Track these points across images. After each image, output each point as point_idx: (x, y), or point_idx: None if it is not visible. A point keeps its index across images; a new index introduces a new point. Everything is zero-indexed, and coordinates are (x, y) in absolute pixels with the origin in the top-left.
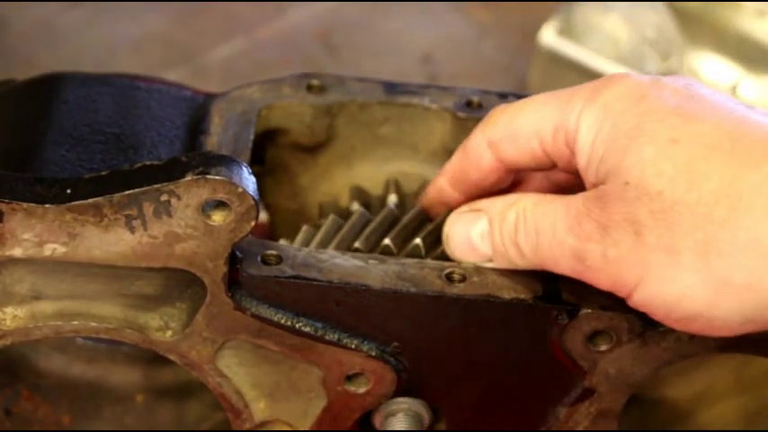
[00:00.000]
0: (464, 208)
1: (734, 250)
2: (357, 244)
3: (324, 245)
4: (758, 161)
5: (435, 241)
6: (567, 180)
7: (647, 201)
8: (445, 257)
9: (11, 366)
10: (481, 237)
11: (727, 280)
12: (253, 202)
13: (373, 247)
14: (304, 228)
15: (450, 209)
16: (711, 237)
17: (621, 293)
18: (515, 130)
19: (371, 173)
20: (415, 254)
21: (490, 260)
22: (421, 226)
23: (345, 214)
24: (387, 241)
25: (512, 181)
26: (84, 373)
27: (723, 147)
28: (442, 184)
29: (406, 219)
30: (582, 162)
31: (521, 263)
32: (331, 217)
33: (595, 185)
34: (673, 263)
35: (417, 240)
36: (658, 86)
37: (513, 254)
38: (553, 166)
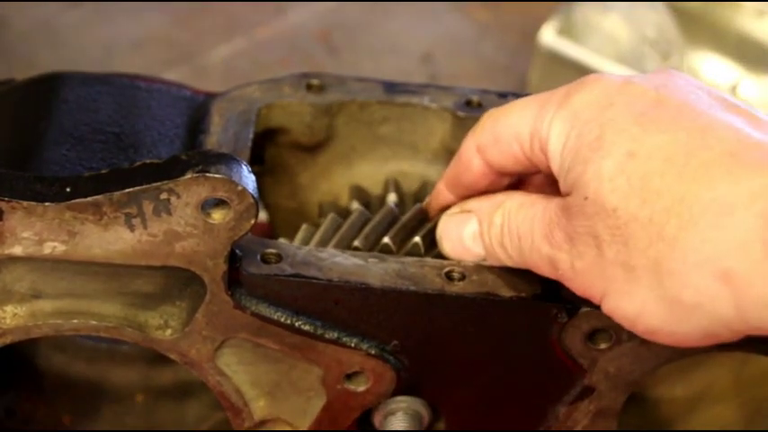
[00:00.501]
0: (454, 209)
1: (683, 269)
2: (356, 242)
3: (323, 243)
4: (711, 179)
5: (434, 240)
6: None
7: (604, 216)
8: (444, 256)
9: (11, 366)
10: (473, 238)
11: (677, 299)
12: (252, 201)
13: (372, 246)
14: (303, 226)
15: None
16: (662, 255)
17: (594, 302)
18: (498, 134)
19: (371, 172)
20: (414, 252)
21: (484, 259)
22: (420, 225)
23: (345, 213)
24: (386, 240)
25: (515, 182)
26: (84, 372)
27: (678, 161)
28: (440, 187)
29: (405, 218)
30: (555, 168)
31: (510, 263)
32: (330, 216)
33: (565, 194)
34: (630, 279)
35: (417, 239)
36: (627, 91)
37: (501, 255)
38: (538, 170)
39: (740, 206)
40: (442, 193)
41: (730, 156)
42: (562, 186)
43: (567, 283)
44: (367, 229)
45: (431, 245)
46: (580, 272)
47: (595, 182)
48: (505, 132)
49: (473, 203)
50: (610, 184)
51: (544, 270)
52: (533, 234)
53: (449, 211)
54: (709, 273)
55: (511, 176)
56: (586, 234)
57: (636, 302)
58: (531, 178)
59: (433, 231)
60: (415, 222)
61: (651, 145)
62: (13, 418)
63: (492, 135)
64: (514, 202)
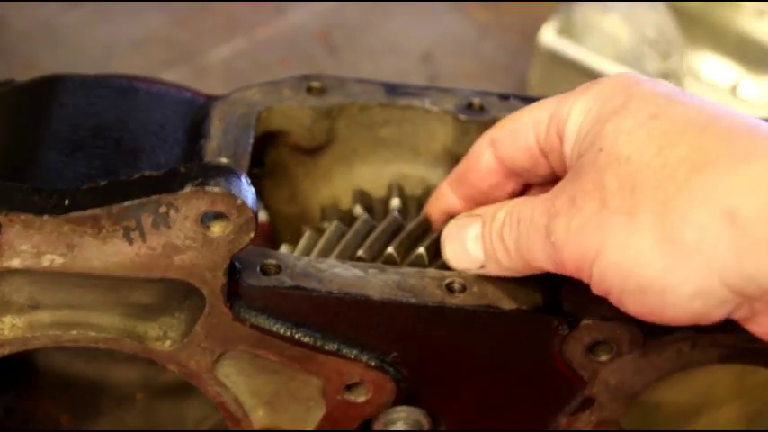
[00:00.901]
0: (463, 215)
1: (689, 207)
2: (360, 252)
3: (327, 252)
4: (731, 137)
5: (439, 250)
6: None
7: (616, 166)
8: (448, 267)
9: (11, 365)
10: (474, 240)
11: (679, 239)
12: (252, 215)
13: (377, 256)
14: (307, 233)
15: (449, 216)
16: (670, 196)
17: (584, 273)
18: (516, 126)
19: (372, 175)
20: (418, 263)
21: (482, 265)
22: (424, 234)
23: (347, 217)
24: (390, 250)
25: (517, 190)
26: (83, 371)
27: (700, 124)
28: (443, 188)
29: (409, 227)
30: (567, 147)
31: (506, 262)
32: (334, 223)
33: (572, 165)
34: (630, 225)
35: (421, 249)
36: (654, 80)
37: (499, 251)
38: (543, 170)
39: (757, 155)
40: (444, 194)
41: (750, 128)
42: (574, 159)
43: (560, 253)
44: (371, 238)
45: (435, 255)
46: (575, 231)
47: (612, 135)
48: (524, 123)
49: (481, 209)
50: (627, 136)
51: (537, 250)
52: (533, 213)
53: (457, 217)
54: (715, 210)
55: (516, 180)
56: (592, 188)
57: (633, 251)
58: (531, 189)
59: (437, 241)
60: (419, 232)
61: (675, 112)
62: (12, 417)
63: (510, 129)
64: (519, 199)
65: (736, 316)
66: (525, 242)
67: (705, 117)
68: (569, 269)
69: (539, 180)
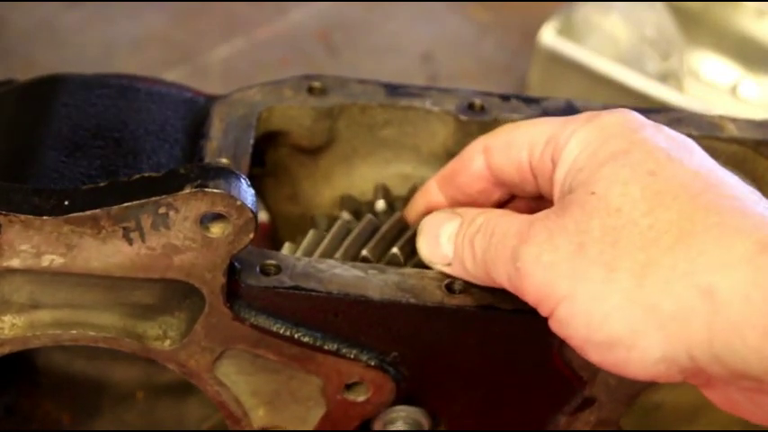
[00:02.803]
0: (444, 210)
1: (670, 277)
2: (365, 252)
3: (330, 252)
4: (721, 210)
5: (414, 249)
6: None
7: (604, 214)
8: (422, 265)
9: (11, 364)
10: (448, 237)
11: (655, 306)
12: (251, 215)
13: (381, 256)
14: (310, 233)
15: (431, 212)
16: (652, 260)
17: (544, 307)
18: (511, 139)
19: (373, 175)
20: (394, 262)
21: (449, 263)
22: (400, 234)
23: (364, 210)
24: (394, 250)
25: (502, 200)
26: (84, 370)
27: (694, 190)
28: (431, 184)
29: (384, 228)
30: (559, 173)
31: (471, 268)
32: (338, 223)
33: (562, 196)
34: (607, 279)
35: (395, 249)
36: (656, 127)
37: (466, 254)
38: (531, 187)
39: (743, 232)
40: (430, 191)
41: (742, 201)
42: (562, 188)
43: (520, 283)
44: (376, 238)
45: (409, 255)
46: (545, 265)
47: (607, 181)
48: (520, 138)
49: (463, 209)
50: (622, 188)
51: (499, 268)
52: (508, 232)
53: (439, 210)
54: (694, 285)
55: (502, 189)
56: (574, 230)
57: (606, 305)
58: (516, 202)
59: (412, 240)
60: (394, 232)
61: (672, 172)
62: (13, 416)
63: (505, 139)
64: (500, 211)
65: (694, 381)
66: (492, 255)
67: (700, 183)
68: (529, 299)
69: (525, 194)
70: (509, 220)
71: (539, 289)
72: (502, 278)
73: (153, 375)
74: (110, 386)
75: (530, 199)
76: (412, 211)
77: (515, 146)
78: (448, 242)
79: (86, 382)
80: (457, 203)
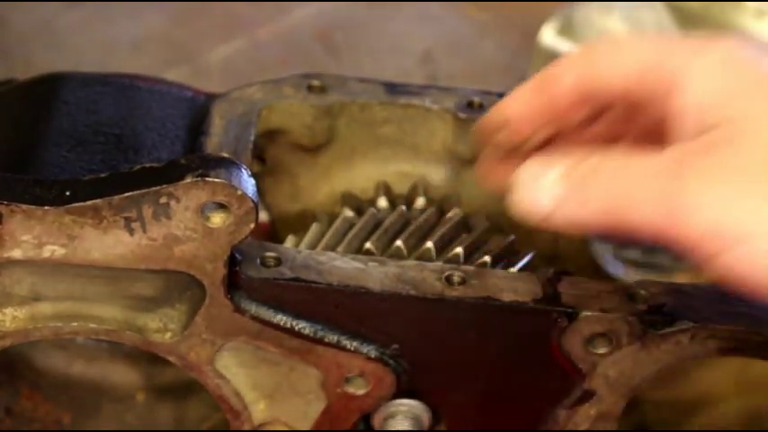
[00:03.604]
0: (537, 159)
1: None
2: (368, 245)
3: (333, 246)
4: None
5: (445, 245)
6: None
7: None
8: (424, 257)
9: (11, 365)
10: (551, 184)
11: None
12: (252, 205)
13: (384, 249)
14: (313, 226)
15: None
16: None
17: (710, 248)
18: (616, 54)
19: (372, 173)
20: (425, 257)
21: (552, 212)
22: (432, 230)
23: (364, 207)
24: (398, 243)
25: (578, 123)
26: (84, 371)
27: None
28: (518, 93)
29: (418, 221)
30: (682, 102)
31: (588, 212)
32: (341, 217)
33: (698, 132)
34: None
35: (429, 244)
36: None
37: (581, 198)
38: (630, 105)
39: None
40: (523, 96)
41: None
42: (694, 123)
43: (680, 220)
44: (379, 232)
45: (442, 249)
46: (716, 203)
47: (755, 113)
48: (626, 54)
49: (559, 155)
50: None
51: (646, 210)
52: (649, 168)
53: (530, 159)
54: None
55: (591, 109)
56: (734, 165)
57: None
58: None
59: (444, 236)
60: (428, 226)
61: None
62: (13, 416)
63: (609, 54)
64: (615, 151)
65: None
66: (628, 196)
67: None
68: (687, 240)
69: (610, 119)
70: (642, 159)
71: (707, 228)
72: (645, 219)
73: (153, 376)
74: (110, 387)
75: (603, 138)
76: (490, 123)
77: (620, 61)
78: (551, 190)
79: (86, 384)
80: (538, 117)
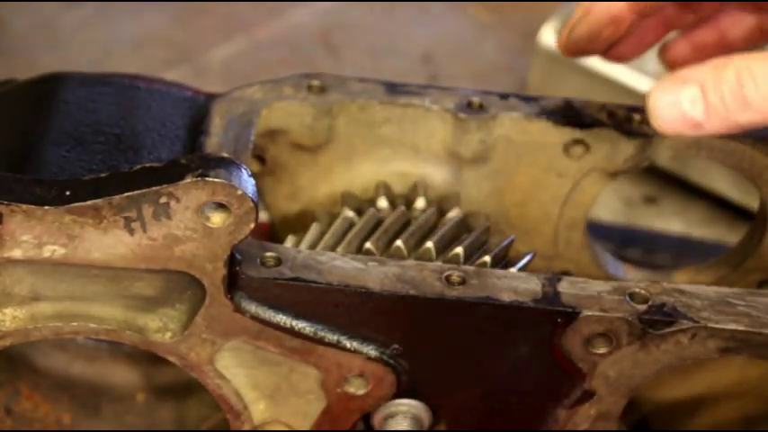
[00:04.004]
0: (668, 78)
1: None
2: (368, 245)
3: (333, 246)
4: None
5: (445, 245)
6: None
7: None
8: (424, 258)
9: (11, 365)
10: (692, 101)
11: None
12: (252, 205)
13: (384, 249)
14: (313, 226)
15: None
16: None
17: None
18: None
19: (372, 173)
20: (425, 258)
21: (700, 126)
22: (432, 230)
23: (365, 207)
24: (398, 243)
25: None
26: (84, 371)
27: None
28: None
29: (418, 221)
30: None
31: (742, 117)
32: (341, 217)
33: None
34: None
35: (429, 244)
36: None
37: (735, 108)
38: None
39: None
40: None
41: None
42: None
43: None
44: (378, 232)
45: (442, 250)
46: None
47: None
48: None
49: (687, 71)
50: None
51: None
52: None
53: (660, 81)
54: None
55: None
56: None
57: None
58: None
59: (444, 237)
60: (427, 226)
61: None
62: (13, 416)
63: None
64: (749, 55)
65: None
66: None
67: None
68: None
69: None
70: None
71: None
72: None
73: (153, 376)
74: (110, 388)
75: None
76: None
77: None
78: (694, 107)
79: (87, 384)
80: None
